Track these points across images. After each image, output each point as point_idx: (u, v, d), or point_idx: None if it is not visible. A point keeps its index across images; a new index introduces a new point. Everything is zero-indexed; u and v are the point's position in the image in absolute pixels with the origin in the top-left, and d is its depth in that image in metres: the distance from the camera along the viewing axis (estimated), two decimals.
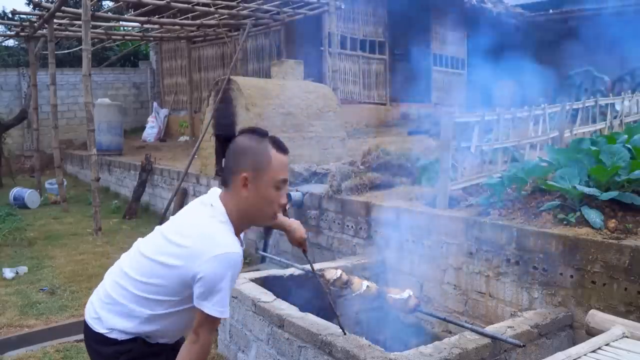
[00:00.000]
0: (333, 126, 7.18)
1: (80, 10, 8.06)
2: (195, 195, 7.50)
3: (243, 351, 3.61)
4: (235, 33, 11.87)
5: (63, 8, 9.00)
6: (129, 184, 10.06)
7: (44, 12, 9.46)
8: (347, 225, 4.85)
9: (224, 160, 1.93)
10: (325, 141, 7.04)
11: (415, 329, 3.93)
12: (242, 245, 1.90)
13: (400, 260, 4.28)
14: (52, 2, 9.26)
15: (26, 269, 5.94)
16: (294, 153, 6.04)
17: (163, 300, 1.85)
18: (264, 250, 5.41)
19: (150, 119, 15.35)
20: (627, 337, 2.55)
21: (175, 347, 2.03)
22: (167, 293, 1.84)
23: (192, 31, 11.98)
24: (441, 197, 4.07)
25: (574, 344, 2.88)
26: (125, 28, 14.46)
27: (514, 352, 2.86)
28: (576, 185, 3.36)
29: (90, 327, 1.94)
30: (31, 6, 14.20)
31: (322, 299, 3.26)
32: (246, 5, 9.92)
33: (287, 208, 5.34)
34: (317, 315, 3.14)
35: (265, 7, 9.89)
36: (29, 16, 11.13)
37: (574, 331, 3.14)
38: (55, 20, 9.65)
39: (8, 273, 5.72)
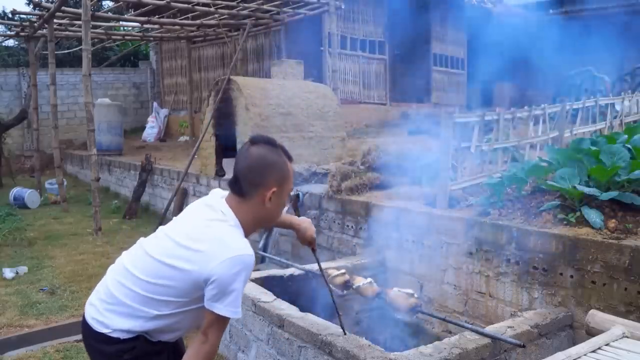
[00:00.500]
0: (333, 126, 7.18)
1: (80, 10, 8.06)
2: (196, 195, 7.50)
3: (243, 351, 3.61)
4: (235, 33, 11.86)
5: (63, 8, 9.00)
6: (129, 184, 10.06)
7: (44, 12, 9.46)
8: (347, 225, 4.85)
9: (235, 167, 1.93)
10: (325, 141, 7.04)
11: (415, 329, 3.93)
12: None
13: (400, 260, 4.28)
14: (52, 2, 9.26)
15: (26, 269, 5.94)
16: (294, 153, 6.00)
17: (170, 301, 1.85)
18: (264, 250, 5.40)
19: (150, 119, 15.35)
20: (627, 337, 2.55)
21: (176, 345, 2.04)
22: (175, 294, 1.84)
23: (192, 31, 11.97)
24: (441, 197, 4.07)
25: (574, 344, 2.89)
26: (125, 28, 14.47)
27: (514, 352, 2.86)
28: (576, 185, 3.36)
29: (91, 326, 1.93)
30: (31, 6, 14.20)
31: (322, 299, 3.26)
32: (246, 5, 9.92)
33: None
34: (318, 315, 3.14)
35: (265, 7, 9.89)
36: (29, 16, 11.13)
37: (574, 331, 3.14)
38: (55, 20, 9.65)
39: (8, 273, 5.72)
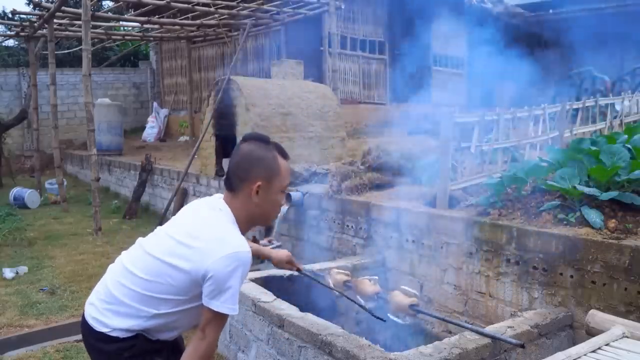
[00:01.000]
0: (333, 126, 7.18)
1: (80, 10, 8.06)
2: (195, 195, 7.50)
3: (243, 351, 3.61)
4: (235, 33, 11.86)
5: (63, 8, 9.00)
6: (129, 184, 10.06)
7: (44, 12, 9.46)
8: (347, 225, 4.85)
9: (228, 165, 1.99)
10: (325, 141, 7.04)
11: (415, 329, 3.93)
12: None
13: (400, 260, 4.28)
14: (52, 2, 9.26)
15: (26, 269, 5.94)
16: (294, 153, 6.04)
17: (169, 299, 1.87)
18: None
19: (150, 119, 15.35)
20: (627, 337, 2.55)
21: (175, 344, 2.05)
22: (175, 292, 1.86)
23: (192, 31, 11.98)
24: (441, 197, 4.07)
25: (574, 344, 2.89)
26: (125, 28, 14.47)
27: (514, 352, 2.86)
28: (576, 185, 3.36)
29: (91, 326, 1.94)
30: (31, 6, 14.20)
31: (322, 299, 3.27)
32: (246, 5, 9.92)
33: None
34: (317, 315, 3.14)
35: (265, 7, 9.88)
36: (29, 16, 11.13)
37: (574, 331, 3.14)
38: (55, 20, 9.65)
39: (8, 273, 5.72)
